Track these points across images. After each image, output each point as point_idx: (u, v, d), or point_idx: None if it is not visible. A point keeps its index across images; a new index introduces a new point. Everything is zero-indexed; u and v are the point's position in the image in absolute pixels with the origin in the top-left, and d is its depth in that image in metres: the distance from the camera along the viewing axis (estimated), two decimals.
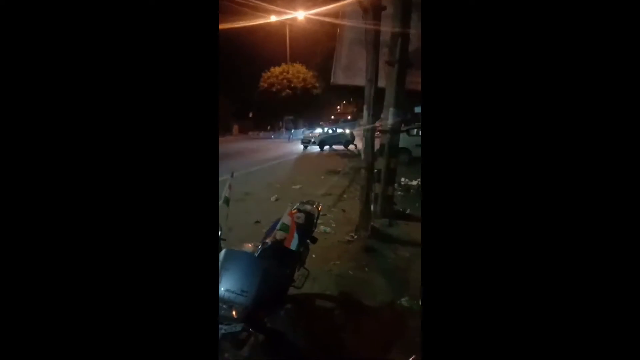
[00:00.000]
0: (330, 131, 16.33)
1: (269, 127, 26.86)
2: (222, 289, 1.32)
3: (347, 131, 15.83)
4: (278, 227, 1.64)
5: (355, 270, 2.90)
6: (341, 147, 15.12)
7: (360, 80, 3.69)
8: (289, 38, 24.39)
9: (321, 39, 23.58)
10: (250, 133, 25.83)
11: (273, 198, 5.56)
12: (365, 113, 3.65)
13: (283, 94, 23.79)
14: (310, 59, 25.03)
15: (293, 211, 1.83)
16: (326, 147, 15.15)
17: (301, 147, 15.84)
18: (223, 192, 1.78)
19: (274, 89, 24.07)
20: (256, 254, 1.56)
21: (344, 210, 4.77)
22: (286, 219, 1.61)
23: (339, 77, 4.41)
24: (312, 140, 15.74)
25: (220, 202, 1.71)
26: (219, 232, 1.59)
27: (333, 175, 8.12)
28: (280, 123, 25.80)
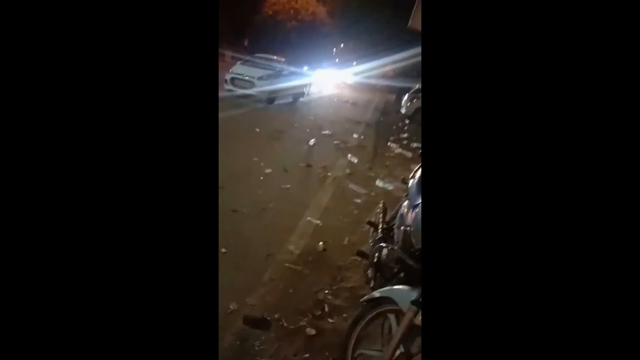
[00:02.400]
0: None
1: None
2: None
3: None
4: None
5: None
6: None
7: None
8: None
9: None
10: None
11: (311, 142, 5.42)
12: None
13: (288, 25, 21.99)
14: None
15: None
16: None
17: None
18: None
19: (278, 18, 22.14)
20: None
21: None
22: None
23: (419, 22, 4.00)
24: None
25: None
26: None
27: (356, 125, 7.94)
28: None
